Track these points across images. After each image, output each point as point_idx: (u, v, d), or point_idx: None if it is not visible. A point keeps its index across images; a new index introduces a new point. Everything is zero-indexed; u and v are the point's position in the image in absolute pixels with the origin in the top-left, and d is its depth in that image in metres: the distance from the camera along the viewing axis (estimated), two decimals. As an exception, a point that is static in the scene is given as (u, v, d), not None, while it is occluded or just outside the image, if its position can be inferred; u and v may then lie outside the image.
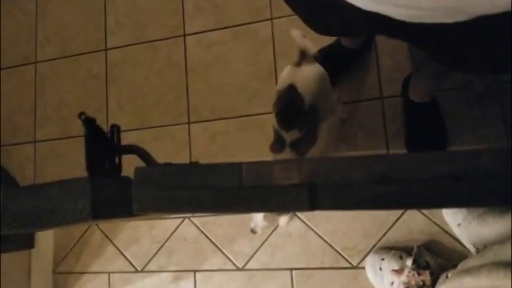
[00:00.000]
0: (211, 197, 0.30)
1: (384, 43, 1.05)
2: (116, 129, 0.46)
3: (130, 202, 0.33)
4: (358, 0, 0.38)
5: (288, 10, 0.65)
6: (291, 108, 0.80)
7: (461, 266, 0.28)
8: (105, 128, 1.24)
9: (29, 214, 0.35)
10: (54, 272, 1.26)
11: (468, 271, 0.29)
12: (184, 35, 1.24)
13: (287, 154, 0.81)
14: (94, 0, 1.35)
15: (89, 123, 0.41)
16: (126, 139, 1.35)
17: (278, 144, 0.82)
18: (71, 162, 1.26)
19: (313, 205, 0.28)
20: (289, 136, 0.81)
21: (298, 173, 0.28)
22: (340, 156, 0.27)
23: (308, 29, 0.65)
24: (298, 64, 0.81)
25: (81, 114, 0.41)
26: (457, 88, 0.99)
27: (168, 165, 0.38)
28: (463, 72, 0.67)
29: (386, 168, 0.27)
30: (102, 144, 0.42)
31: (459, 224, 0.96)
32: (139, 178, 0.33)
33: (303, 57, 0.81)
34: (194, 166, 0.32)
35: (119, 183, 0.36)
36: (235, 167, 0.30)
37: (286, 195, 0.28)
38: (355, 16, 0.43)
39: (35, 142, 1.33)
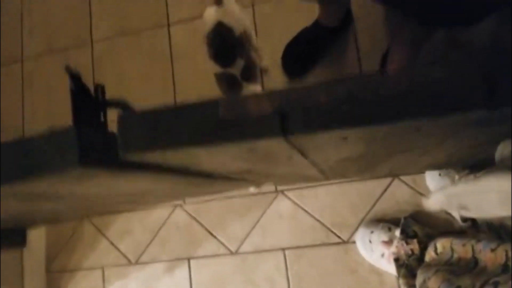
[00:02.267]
0: (191, 131, 0.32)
1: (362, 21, 1.09)
2: (100, 88, 0.48)
3: (116, 153, 0.34)
4: None
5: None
6: (227, 41, 0.85)
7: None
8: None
9: (18, 167, 0.36)
10: (48, 270, 1.25)
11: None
12: (168, 25, 1.27)
13: (247, 90, 0.86)
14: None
15: (74, 78, 0.43)
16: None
17: (232, 86, 0.86)
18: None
19: (285, 131, 0.30)
20: (237, 69, 0.85)
21: (270, 104, 0.30)
22: (308, 83, 0.29)
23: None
24: (219, 3, 0.87)
25: (67, 67, 0.43)
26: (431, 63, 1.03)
27: (150, 110, 0.40)
28: (435, 25, 0.70)
29: (349, 89, 0.29)
30: (87, 99, 0.43)
31: (443, 191, 0.99)
32: (123, 123, 0.35)
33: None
34: (173, 106, 0.34)
35: (105, 135, 0.37)
36: (213, 103, 0.32)
37: (259, 124, 0.30)
38: None
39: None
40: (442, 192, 0.30)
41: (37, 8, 1.41)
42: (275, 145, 0.32)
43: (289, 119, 0.30)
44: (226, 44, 0.86)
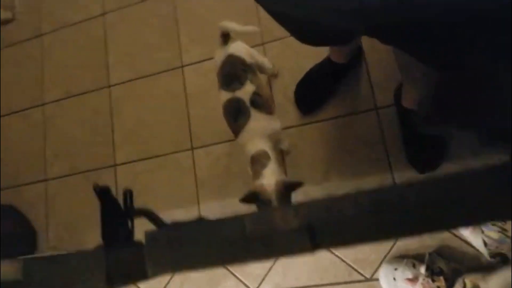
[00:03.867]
0: (219, 251, 0.31)
1: (372, 56, 1.09)
2: (129, 194, 0.48)
3: (143, 266, 0.34)
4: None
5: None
6: (237, 67, 0.87)
7: None
8: (113, 158, 1.26)
9: (49, 282, 0.36)
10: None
11: None
12: (182, 66, 1.30)
13: (254, 119, 0.85)
14: (95, 41, 1.43)
15: (103, 193, 0.43)
16: (133, 169, 1.37)
17: (241, 114, 0.86)
18: (81, 197, 1.29)
19: (314, 246, 0.29)
20: (246, 93, 0.85)
21: (296, 217, 0.30)
22: (332, 196, 0.29)
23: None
24: (224, 43, 0.91)
25: (95, 186, 0.43)
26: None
27: (176, 224, 0.40)
28: (446, 69, 0.69)
29: (373, 200, 0.28)
30: (115, 212, 0.44)
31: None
32: (150, 242, 0.35)
33: (225, 38, 0.91)
34: (200, 223, 0.34)
35: (132, 249, 0.37)
36: (238, 220, 0.31)
37: (288, 240, 0.30)
38: (339, 19, 0.46)
39: (46, 180, 1.37)
40: (500, 276, 0.29)
41: (57, 55, 1.47)
42: None
43: (316, 234, 0.29)
44: (236, 69, 0.88)
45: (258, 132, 0.83)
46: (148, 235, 0.32)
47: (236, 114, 0.87)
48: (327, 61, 1.05)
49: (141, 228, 0.40)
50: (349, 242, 0.27)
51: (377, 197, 0.27)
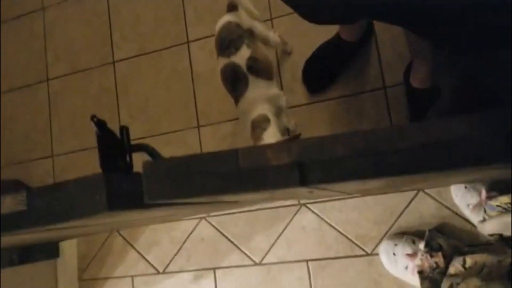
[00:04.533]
0: (212, 181, 0.32)
1: (383, 34, 1.08)
2: (125, 130, 0.49)
3: (141, 195, 0.35)
4: None
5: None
6: (233, 32, 0.86)
7: None
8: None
9: (53, 209, 0.38)
10: (80, 279, 1.31)
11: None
12: (188, 42, 1.28)
13: (253, 86, 0.84)
14: (99, 16, 1.39)
15: (100, 125, 0.44)
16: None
17: (239, 80, 0.85)
18: (87, 172, 1.31)
19: (302, 182, 0.30)
20: (242, 58, 0.85)
21: (288, 154, 0.31)
22: (325, 135, 0.30)
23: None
24: (231, 9, 0.90)
25: (93, 117, 0.44)
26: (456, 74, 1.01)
27: (173, 158, 0.41)
28: (455, 53, 0.69)
29: (366, 142, 0.29)
30: (113, 144, 0.45)
31: (468, 205, 0.98)
32: (148, 171, 0.36)
33: (231, 9, 0.90)
34: (195, 155, 0.34)
35: (130, 178, 0.38)
36: (232, 153, 0.32)
37: (278, 175, 0.31)
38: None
39: (53, 156, 1.38)
40: (498, 220, 0.31)
41: (60, 30, 1.44)
42: (294, 189, 0.33)
43: (307, 171, 0.30)
44: (232, 34, 0.86)
45: (258, 100, 0.83)
46: (146, 164, 0.33)
47: (233, 81, 0.86)
48: (337, 38, 1.04)
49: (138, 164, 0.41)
50: (337, 180, 0.28)
51: (368, 138, 0.28)
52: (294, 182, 0.30)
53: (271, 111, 0.84)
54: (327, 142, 0.31)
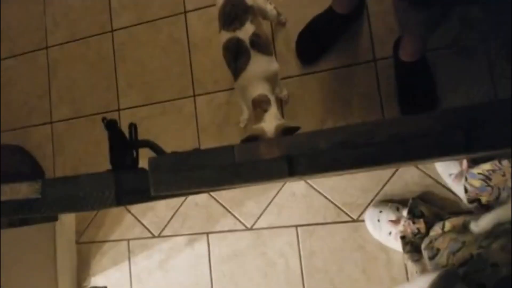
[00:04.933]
0: (211, 174, 0.36)
1: (375, 8, 1.10)
2: (133, 127, 0.52)
3: (147, 188, 0.39)
4: None
5: None
6: (237, 7, 0.88)
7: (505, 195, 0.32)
8: (117, 103, 1.30)
9: (64, 199, 0.42)
10: (77, 242, 1.36)
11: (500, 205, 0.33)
12: (185, 12, 1.30)
13: (254, 61, 0.86)
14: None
15: (111, 125, 0.48)
16: (137, 114, 1.41)
17: (240, 53, 0.87)
18: (85, 139, 1.35)
19: (291, 172, 0.34)
20: (246, 33, 0.86)
21: (278, 149, 0.34)
22: (311, 131, 0.33)
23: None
24: None
25: (103, 118, 0.48)
26: (445, 47, 1.04)
27: (175, 153, 0.44)
28: (443, 4, 0.71)
29: (345, 136, 0.33)
30: (122, 142, 0.49)
31: (451, 174, 1.02)
32: (152, 166, 0.39)
33: None
34: (196, 151, 0.38)
35: (137, 174, 0.42)
36: (229, 149, 0.35)
37: (270, 167, 0.34)
38: None
39: (51, 122, 1.41)
40: (492, 217, 0.33)
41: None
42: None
43: (294, 163, 0.34)
44: (236, 9, 0.88)
45: (259, 75, 0.86)
46: (151, 160, 0.37)
47: (236, 55, 0.88)
48: (329, 11, 1.06)
49: (144, 160, 0.44)
50: (320, 170, 0.32)
51: (347, 133, 0.31)
52: (284, 173, 0.34)
53: (271, 92, 0.86)
54: (312, 137, 0.34)
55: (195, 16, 1.29)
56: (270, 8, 1.05)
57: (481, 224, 0.31)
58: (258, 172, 0.34)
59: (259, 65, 0.87)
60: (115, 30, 1.37)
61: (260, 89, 0.86)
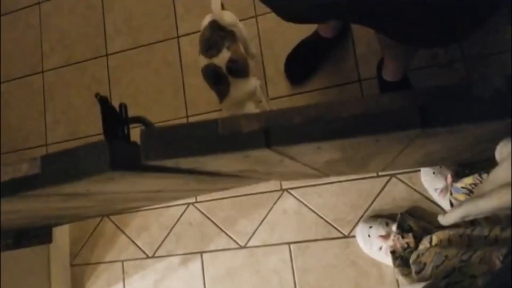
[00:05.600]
0: (197, 144, 0.39)
1: (358, 31, 1.16)
2: (124, 106, 0.56)
3: (139, 159, 0.41)
4: None
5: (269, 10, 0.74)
6: (215, 34, 0.91)
7: (476, 192, 0.34)
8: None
9: (63, 170, 0.44)
10: (72, 264, 1.36)
11: (481, 195, 0.34)
12: (178, 37, 1.35)
13: (234, 87, 0.88)
14: (93, 11, 1.45)
15: (103, 101, 0.51)
16: (131, 134, 1.42)
17: (217, 78, 0.89)
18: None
19: (268, 143, 0.37)
20: (222, 60, 0.88)
21: (257, 122, 0.38)
22: (289, 107, 0.37)
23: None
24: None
25: (96, 94, 0.52)
26: (425, 66, 1.10)
27: (165, 126, 0.48)
28: (416, 45, 0.77)
29: (316, 112, 0.37)
30: (114, 117, 0.52)
31: (436, 189, 1.06)
32: (144, 136, 0.43)
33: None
34: (183, 123, 0.42)
35: (129, 145, 0.45)
36: (213, 122, 0.39)
37: (249, 138, 0.38)
38: (319, 4, 0.53)
39: (46, 145, 1.43)
40: (459, 211, 0.36)
41: (55, 23, 1.49)
42: (264, 153, 0.40)
43: (270, 136, 0.38)
44: (215, 36, 0.91)
45: (241, 98, 0.89)
46: (143, 130, 0.40)
47: (215, 80, 0.91)
48: (315, 35, 1.11)
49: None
50: (294, 142, 0.36)
51: (319, 109, 0.35)
52: (261, 144, 0.37)
53: (256, 107, 0.90)
54: (287, 112, 0.38)
55: (188, 40, 1.33)
56: (251, 47, 1.07)
57: (449, 217, 0.32)
58: (238, 143, 0.37)
59: (240, 89, 0.90)
60: (110, 54, 1.41)
61: (246, 109, 0.90)
